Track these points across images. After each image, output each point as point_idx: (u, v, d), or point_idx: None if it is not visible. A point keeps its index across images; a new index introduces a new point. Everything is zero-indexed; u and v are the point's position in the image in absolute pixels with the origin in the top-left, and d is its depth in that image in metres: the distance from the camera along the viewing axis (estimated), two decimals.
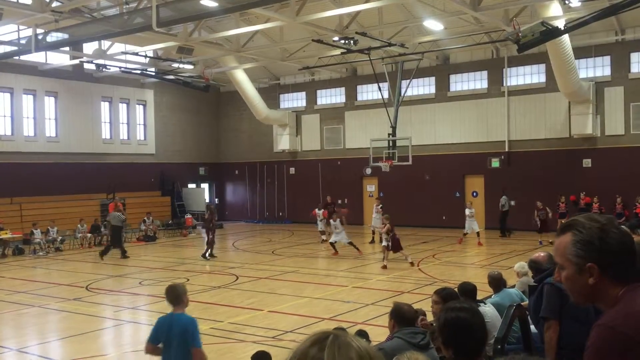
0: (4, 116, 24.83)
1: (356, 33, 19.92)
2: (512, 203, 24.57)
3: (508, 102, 25.46)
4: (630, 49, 23.32)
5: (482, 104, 26.10)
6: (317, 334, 1.39)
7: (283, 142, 30.98)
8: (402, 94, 24.03)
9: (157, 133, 30.49)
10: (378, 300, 12.68)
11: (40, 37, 18.75)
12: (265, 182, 32.41)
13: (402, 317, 5.11)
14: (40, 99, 25.79)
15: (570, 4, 17.61)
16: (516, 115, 25.37)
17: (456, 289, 6.57)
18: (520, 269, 8.46)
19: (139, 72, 26.14)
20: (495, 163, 25.76)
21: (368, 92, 29.07)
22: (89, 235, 23.81)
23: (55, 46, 20.06)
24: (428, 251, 20.12)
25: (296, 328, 10.55)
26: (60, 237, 22.77)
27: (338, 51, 22.50)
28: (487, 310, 6.26)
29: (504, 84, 25.58)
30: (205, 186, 33.07)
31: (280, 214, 31.87)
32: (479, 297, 6.90)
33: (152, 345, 5.87)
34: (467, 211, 21.70)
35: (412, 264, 16.93)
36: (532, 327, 5.60)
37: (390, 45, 21.13)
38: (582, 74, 23.32)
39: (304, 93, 31.29)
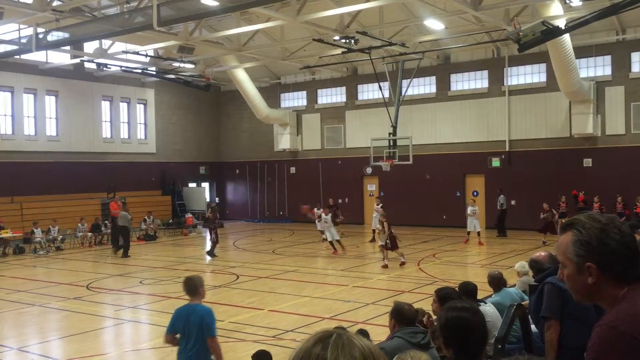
0: (5, 115, 24.84)
1: (357, 32, 19.91)
2: (513, 202, 24.61)
3: (509, 102, 25.46)
4: (631, 49, 23.31)
5: (482, 103, 26.09)
6: (320, 333, 1.39)
7: (284, 142, 30.98)
8: (402, 94, 24.03)
9: (157, 132, 30.50)
10: (378, 299, 12.68)
11: (41, 36, 18.75)
12: (265, 182, 32.42)
13: (402, 316, 5.11)
14: (40, 98, 25.79)
15: (571, 4, 17.60)
16: (517, 115, 25.36)
17: (457, 289, 6.57)
18: (520, 269, 8.46)
19: (139, 71, 26.15)
20: (495, 162, 25.76)
21: (369, 92, 29.06)
22: (89, 234, 23.82)
23: (56, 45, 20.06)
24: (428, 250, 20.12)
25: (296, 327, 10.56)
26: (60, 236, 22.79)
27: (339, 50, 22.49)
28: (488, 309, 6.27)
29: (505, 84, 25.57)
30: (205, 185, 33.08)
31: (281, 213, 31.87)
32: (479, 297, 6.90)
33: (170, 336, 6.02)
34: (468, 209, 21.67)
35: (403, 264, 16.90)
36: (533, 327, 5.60)
37: (390, 44, 21.13)
38: (583, 74, 23.31)
39: (304, 92, 31.29)
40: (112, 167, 27.52)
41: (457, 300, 5.31)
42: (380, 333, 7.88)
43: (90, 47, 24.88)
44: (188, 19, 18.41)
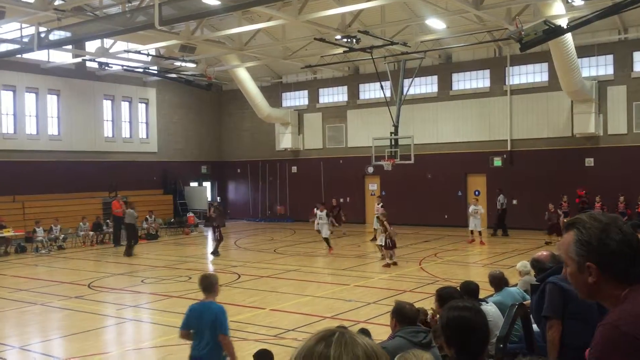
0: (7, 114, 24.87)
1: (358, 31, 19.90)
2: (514, 202, 24.59)
3: (510, 101, 25.44)
4: (633, 48, 23.27)
5: (484, 102, 26.07)
6: (323, 332, 1.40)
7: (285, 141, 30.99)
8: (404, 93, 24.02)
9: (159, 131, 30.52)
10: (380, 299, 12.68)
11: (42, 35, 18.76)
12: (267, 181, 32.43)
13: (403, 316, 5.12)
14: (42, 97, 25.82)
15: (573, 3, 17.58)
16: (518, 114, 25.34)
17: (458, 288, 6.56)
18: (522, 268, 8.44)
19: (141, 70, 26.16)
20: (497, 162, 25.75)
21: (370, 91, 29.05)
22: (91, 233, 23.85)
23: (57, 44, 20.09)
24: (430, 250, 20.12)
25: (298, 326, 10.56)
26: (62, 235, 22.82)
27: (340, 50, 22.48)
28: (490, 309, 6.26)
29: (507, 83, 25.55)
30: (207, 185, 33.10)
31: (282, 212, 31.87)
32: (481, 296, 6.90)
33: (185, 331, 6.16)
34: (470, 208, 21.65)
35: (395, 264, 16.90)
36: (535, 326, 5.59)
37: (392, 43, 21.11)
38: (585, 73, 23.28)
39: (306, 91, 31.29)
40: (113, 166, 27.54)
41: (459, 299, 5.31)
42: (381, 332, 7.88)
43: (92, 46, 24.90)
44: (190, 18, 18.41)
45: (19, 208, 23.98)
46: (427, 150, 26.02)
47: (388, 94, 24.11)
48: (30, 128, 25.54)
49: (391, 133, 23.36)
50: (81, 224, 23.65)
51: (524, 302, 5.98)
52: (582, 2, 17.68)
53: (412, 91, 25.54)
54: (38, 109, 25.73)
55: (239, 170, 33.43)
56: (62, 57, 25.65)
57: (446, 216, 26.43)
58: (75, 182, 25.92)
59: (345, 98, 30.02)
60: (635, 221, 20.47)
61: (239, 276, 15.96)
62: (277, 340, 9.55)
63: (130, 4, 19.06)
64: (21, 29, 20.41)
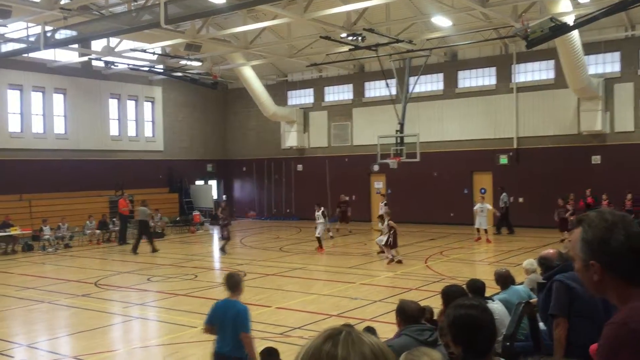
0: (14, 113, 24.98)
1: (364, 29, 19.87)
2: (521, 200, 24.54)
3: (517, 99, 25.35)
4: None
5: (490, 100, 26.00)
6: (329, 330, 1.39)
7: (291, 139, 31.00)
8: (409, 91, 23.97)
9: (165, 130, 30.59)
10: (386, 297, 12.68)
11: (49, 34, 18.82)
12: (272, 179, 32.45)
13: (405, 314, 5.15)
14: (49, 96, 25.91)
15: (580, 0, 17.49)
16: (525, 112, 25.26)
17: (464, 286, 6.55)
18: (529, 266, 8.42)
19: (147, 69, 26.20)
20: (503, 160, 25.68)
21: (376, 89, 29.02)
22: (97, 231, 23.93)
23: (64, 43, 20.14)
24: (436, 248, 20.09)
25: (304, 324, 10.57)
26: (69, 234, 22.91)
27: (346, 48, 22.45)
28: (496, 307, 6.25)
29: (513, 81, 25.47)
30: (213, 183, 33.15)
31: (288, 210, 31.90)
32: (487, 294, 6.89)
33: (209, 326, 6.37)
34: (477, 206, 21.60)
35: (400, 261, 16.95)
36: (541, 324, 5.58)
37: (398, 41, 21.07)
38: (592, 70, 23.18)
39: (311, 90, 31.28)
40: (119, 164, 27.62)
41: (466, 297, 5.31)
42: (387, 330, 7.88)
43: (97, 45, 24.95)
44: (195, 17, 18.43)
45: (25, 207, 24.10)
46: (432, 148, 25.97)
47: (393, 92, 24.06)
48: (37, 127, 25.64)
49: (397, 131, 23.32)
50: (88, 222, 23.74)
51: (530, 301, 5.96)
52: None
53: (417, 89, 25.47)
54: (44, 108, 25.82)
55: (244, 169, 33.47)
56: (68, 56, 25.73)
57: (452, 214, 26.38)
58: (82, 181, 26.01)
59: (351, 96, 30.00)
60: None
61: (245, 274, 15.96)
62: (283, 339, 9.56)
63: (136, 3, 19.08)
64: (27, 28, 20.49)
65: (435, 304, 7.27)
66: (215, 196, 32.38)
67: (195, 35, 21.01)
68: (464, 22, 22.14)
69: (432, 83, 27.58)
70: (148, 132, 30.02)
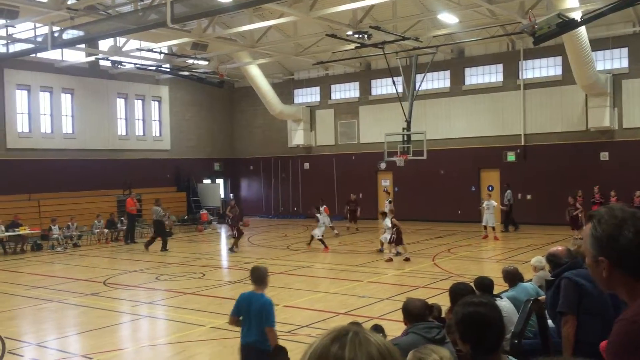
0: (22, 113, 25.12)
1: (370, 27, 19.84)
2: (529, 197, 24.46)
3: (524, 95, 25.26)
4: None
5: (497, 97, 25.91)
6: (336, 331, 1.40)
7: (297, 137, 31.01)
8: (416, 88, 23.92)
9: (172, 129, 30.67)
10: (393, 295, 12.67)
11: (56, 34, 18.90)
12: (279, 177, 32.48)
13: (409, 313, 5.17)
14: (56, 96, 26.03)
15: None
16: (532, 109, 25.16)
17: (472, 284, 6.54)
18: (537, 264, 8.39)
19: (154, 68, 26.27)
20: (511, 157, 25.60)
21: (382, 87, 28.97)
22: (105, 230, 24.03)
23: (71, 43, 20.22)
24: (443, 246, 20.05)
25: (312, 323, 10.58)
26: (78, 233, 23.02)
27: (352, 45, 22.43)
28: (504, 304, 6.23)
29: (520, 77, 25.37)
30: (220, 182, 33.22)
31: (295, 209, 31.91)
32: (495, 292, 6.87)
33: (234, 318, 6.53)
34: (484, 203, 21.56)
35: (391, 260, 16.96)
36: (550, 322, 5.57)
37: (404, 39, 21.02)
38: (599, 66, 23.06)
39: (318, 88, 31.27)
40: (127, 164, 27.72)
41: (474, 295, 5.30)
42: (395, 328, 7.87)
43: (104, 45, 25.04)
44: (201, 16, 18.46)
45: (34, 206, 24.23)
46: (439, 146, 25.92)
47: (400, 89, 24.01)
48: (45, 127, 25.77)
49: (403, 129, 23.27)
50: (96, 221, 23.85)
51: (539, 298, 5.95)
52: None
53: (424, 86, 25.42)
54: (52, 107, 25.95)
55: (251, 167, 33.51)
56: (76, 56, 25.84)
57: (459, 212, 26.32)
58: (90, 180, 26.13)
59: (357, 94, 29.97)
60: None
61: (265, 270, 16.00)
62: (291, 337, 9.57)
63: (142, 3, 19.14)
64: (35, 28, 20.60)
65: (443, 302, 7.26)
66: (222, 195, 32.45)
67: (201, 34, 21.04)
68: (471, 18, 22.06)
69: (438, 80, 27.51)
70: (155, 131, 30.11)
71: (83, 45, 23.24)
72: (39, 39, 19.94)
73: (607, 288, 2.06)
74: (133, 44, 24.65)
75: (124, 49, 24.07)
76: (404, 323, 5.31)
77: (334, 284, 14.39)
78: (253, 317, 6.29)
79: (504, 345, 3.38)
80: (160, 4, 17.48)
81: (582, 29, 18.87)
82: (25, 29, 21.16)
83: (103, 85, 27.53)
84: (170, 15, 15.82)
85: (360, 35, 19.96)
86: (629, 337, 1.86)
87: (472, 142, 26.34)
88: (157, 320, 11.90)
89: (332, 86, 30.86)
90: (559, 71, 24.64)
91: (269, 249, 21.03)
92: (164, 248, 20.96)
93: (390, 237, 17.15)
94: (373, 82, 29.48)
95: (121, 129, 28.52)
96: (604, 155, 23.68)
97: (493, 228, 21.34)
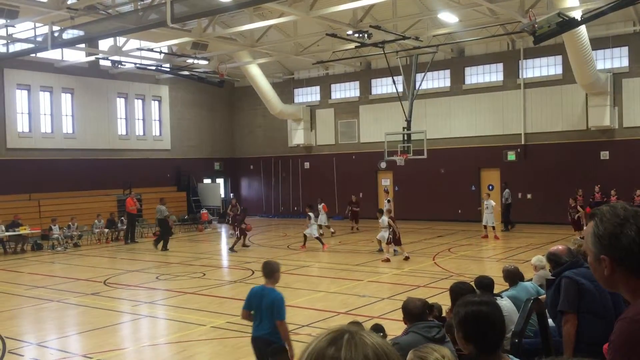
0: (22, 113, 25.12)
1: (370, 26, 19.83)
2: (529, 196, 24.44)
3: (524, 95, 25.25)
4: None
5: (497, 96, 25.90)
6: (332, 333, 1.39)
7: (297, 137, 31.00)
8: (416, 88, 23.91)
9: (172, 129, 30.67)
10: (394, 294, 12.67)
11: (56, 34, 18.89)
12: (280, 177, 32.48)
13: (408, 313, 5.18)
14: (56, 95, 26.03)
15: None
16: (532, 108, 25.15)
17: (473, 283, 6.54)
18: (537, 263, 8.38)
19: (154, 68, 26.27)
20: (511, 156, 25.59)
21: (382, 86, 28.97)
22: (106, 230, 24.03)
23: (71, 43, 20.21)
24: (443, 245, 20.05)
25: (312, 322, 10.57)
26: (79, 233, 23.02)
27: (352, 45, 22.43)
28: (504, 303, 6.23)
29: (520, 76, 25.36)
30: (220, 181, 33.21)
31: (295, 208, 31.90)
32: (495, 291, 6.86)
33: (246, 312, 6.66)
34: (484, 203, 21.58)
35: (388, 260, 16.95)
36: (550, 321, 5.56)
37: (404, 38, 21.02)
38: (600, 65, 23.05)
39: (318, 87, 31.27)
40: (127, 163, 27.73)
41: (474, 294, 5.30)
42: (395, 328, 7.87)
43: (105, 44, 25.05)
44: (201, 16, 18.45)
45: (34, 206, 24.23)
46: (440, 145, 25.92)
47: (400, 88, 24.00)
48: (45, 127, 25.77)
49: (404, 128, 23.27)
50: (96, 221, 23.85)
51: (539, 297, 5.94)
52: None
53: (424, 86, 25.42)
54: (52, 107, 25.95)
55: (251, 167, 33.51)
56: (76, 56, 25.84)
57: (460, 211, 26.32)
58: (90, 180, 26.14)
59: (358, 93, 29.96)
60: None
61: (253, 272, 16.00)
62: (292, 336, 9.55)
63: (142, 2, 19.14)
64: (35, 28, 20.58)
65: (444, 301, 7.26)
66: (222, 194, 32.46)
67: (201, 33, 21.04)
68: (471, 18, 22.05)
69: (439, 80, 27.50)
70: (155, 131, 30.11)
71: (83, 45, 23.23)
72: (39, 39, 19.94)
73: (609, 287, 2.06)
74: (133, 43, 24.65)
75: (124, 49, 24.06)
76: (404, 322, 5.32)
77: (334, 283, 14.39)
78: (264, 311, 6.43)
79: (504, 344, 3.37)
80: (160, 3, 17.48)
81: (582, 28, 18.86)
82: (25, 29, 21.15)
83: (103, 85, 27.53)
84: (170, 14, 15.81)
85: (361, 35, 19.95)
86: (631, 336, 1.85)
87: (473, 142, 26.33)
88: (157, 320, 11.90)
89: (332, 86, 30.86)
90: (559, 70, 24.63)
91: (269, 248, 21.03)
92: (164, 247, 20.98)
93: (388, 237, 17.15)
94: (373, 81, 29.48)
95: (121, 129, 28.52)
96: (604, 155, 23.67)
97: (493, 227, 21.33)
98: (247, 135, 33.60)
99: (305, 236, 20.02)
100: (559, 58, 24.23)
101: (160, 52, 24.29)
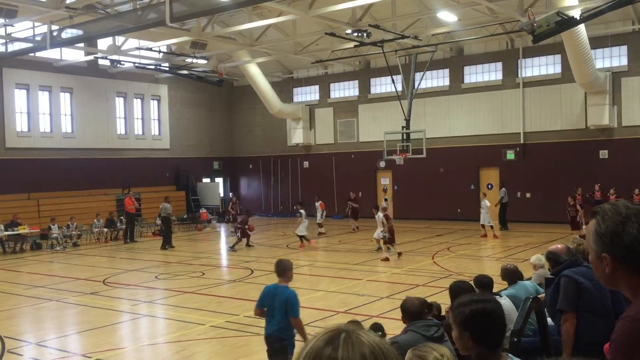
0: (21, 113, 25.10)
1: (369, 25, 19.82)
2: (528, 195, 24.46)
3: (523, 94, 25.25)
4: None
5: (496, 95, 25.91)
6: (330, 331, 1.39)
7: (297, 136, 31.00)
8: (415, 87, 23.91)
9: (171, 128, 30.66)
10: (393, 293, 12.68)
11: (55, 33, 18.85)
12: (279, 176, 32.47)
13: (406, 312, 5.18)
14: (55, 95, 26.01)
15: None
16: (531, 107, 25.16)
17: (472, 282, 6.54)
18: (536, 262, 8.39)
19: (153, 67, 26.25)
20: (510, 155, 25.60)
21: (381, 85, 28.97)
22: (105, 229, 24.02)
23: (70, 42, 20.19)
24: (443, 244, 20.06)
25: (312, 321, 10.57)
26: (77, 232, 23.01)
27: (351, 44, 22.42)
28: (503, 302, 6.23)
29: (519, 75, 25.36)
30: (219, 181, 33.20)
31: (295, 207, 31.83)
32: (494, 290, 6.87)
33: (260, 309, 6.79)
34: (482, 203, 21.61)
35: (387, 259, 16.96)
36: (549, 320, 5.57)
37: (403, 37, 21.01)
38: (599, 64, 23.06)
39: (317, 86, 31.26)
40: (126, 163, 27.72)
41: (474, 293, 5.30)
42: (394, 327, 7.87)
43: (103, 44, 25.01)
44: (200, 15, 18.43)
45: (33, 205, 24.22)
46: (439, 144, 25.92)
47: (399, 88, 24.00)
48: (44, 126, 25.75)
49: (403, 127, 23.26)
50: (95, 220, 23.84)
51: (538, 296, 5.95)
52: None
53: (423, 85, 25.42)
54: (51, 107, 25.93)
55: (251, 166, 33.50)
56: (75, 55, 25.82)
57: (459, 210, 26.33)
58: (89, 179, 26.13)
59: (357, 92, 29.96)
60: None
61: (252, 271, 16.02)
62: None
63: (141, 1, 19.11)
64: (33, 27, 20.54)
65: (443, 300, 7.27)
66: (222, 194, 32.44)
67: (200, 33, 21.02)
68: (470, 17, 22.04)
69: (438, 79, 27.50)
70: (154, 130, 30.10)
71: (82, 44, 23.20)
72: (38, 38, 19.90)
73: (610, 285, 2.06)
74: (132, 42, 24.61)
75: (122, 48, 24.04)
76: (403, 321, 5.32)
77: (334, 282, 14.39)
78: (277, 308, 6.53)
79: (503, 343, 3.37)
80: (159, 2, 17.46)
81: (582, 27, 18.87)
82: (24, 28, 21.12)
83: (102, 85, 27.51)
84: (169, 14, 15.78)
85: (360, 34, 19.94)
86: (633, 335, 1.85)
87: (472, 141, 26.34)
88: (156, 319, 11.90)
89: (332, 85, 30.85)
90: (558, 69, 24.64)
91: (268, 247, 21.03)
92: (163, 247, 20.97)
93: (384, 236, 17.16)
94: (372, 80, 29.47)
95: (120, 128, 28.50)
96: (604, 153, 23.69)
97: (491, 227, 21.34)
98: (246, 134, 33.59)
99: (298, 235, 20.07)
100: (558, 57, 24.24)
101: (159, 52, 24.27)
